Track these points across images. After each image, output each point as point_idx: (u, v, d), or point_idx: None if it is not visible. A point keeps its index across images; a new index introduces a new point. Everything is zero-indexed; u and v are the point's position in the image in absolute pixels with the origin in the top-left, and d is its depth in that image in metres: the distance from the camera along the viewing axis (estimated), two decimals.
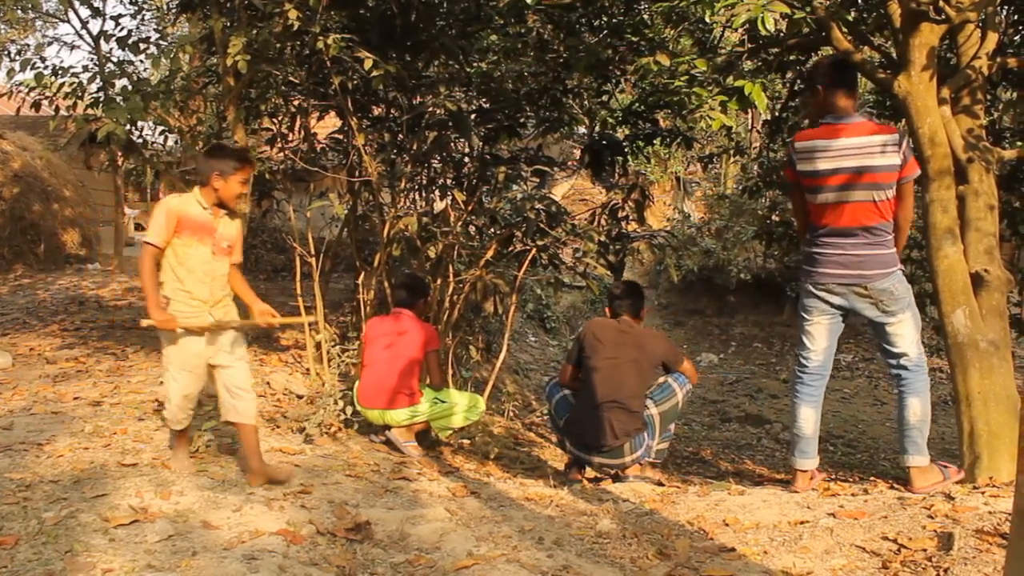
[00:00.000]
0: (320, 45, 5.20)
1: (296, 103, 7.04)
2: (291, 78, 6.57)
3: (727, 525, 3.75)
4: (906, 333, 4.09)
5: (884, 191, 3.97)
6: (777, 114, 7.34)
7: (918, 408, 4.06)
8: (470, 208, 6.42)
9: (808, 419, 4.28)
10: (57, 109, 6.34)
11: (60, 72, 6.18)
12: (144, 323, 3.86)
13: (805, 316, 4.25)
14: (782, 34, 5.42)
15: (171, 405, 4.01)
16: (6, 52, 17.40)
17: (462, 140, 6.83)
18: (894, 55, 4.73)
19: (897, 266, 4.06)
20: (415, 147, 6.37)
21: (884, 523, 3.52)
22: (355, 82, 6.18)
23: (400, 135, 6.58)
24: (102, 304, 9.02)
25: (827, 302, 4.15)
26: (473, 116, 6.75)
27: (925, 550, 3.19)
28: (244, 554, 3.08)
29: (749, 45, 5.80)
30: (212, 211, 3.95)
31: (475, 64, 7.11)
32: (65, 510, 3.37)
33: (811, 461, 4.31)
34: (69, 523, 3.24)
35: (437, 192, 7.24)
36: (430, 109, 6.39)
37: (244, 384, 4.00)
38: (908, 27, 4.34)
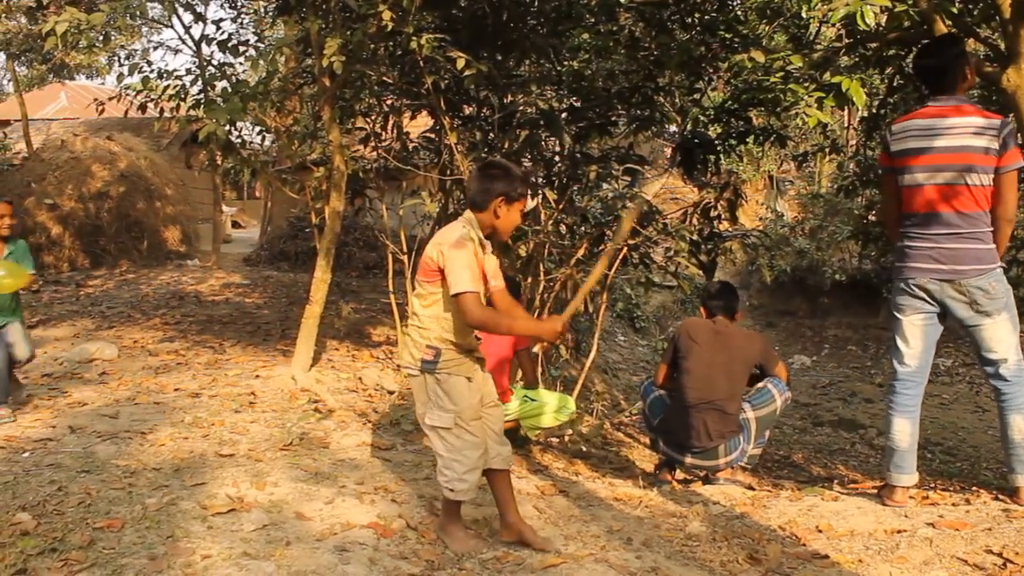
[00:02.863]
0: (413, 45, 5.26)
1: (389, 102, 7.14)
2: (384, 78, 6.66)
3: (820, 531, 3.67)
4: (1003, 336, 3.82)
5: (978, 175, 3.74)
6: (875, 111, 7.13)
7: (1022, 424, 3.80)
8: (561, 207, 6.42)
9: (903, 431, 4.00)
10: (161, 111, 6.56)
11: (164, 75, 6.38)
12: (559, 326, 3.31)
13: (898, 316, 4.04)
14: (881, 28, 5.27)
15: (460, 468, 3.25)
16: (116, 57, 18.15)
17: (553, 139, 6.83)
18: (1002, 47, 4.56)
19: (996, 264, 3.80)
20: (506, 146, 6.40)
21: (988, 536, 3.39)
22: (447, 81, 6.24)
23: (492, 134, 6.61)
24: (201, 299, 9.30)
25: (921, 299, 3.93)
26: (564, 115, 6.74)
27: None
28: (336, 545, 3.14)
29: (847, 40, 5.66)
30: (482, 245, 3.29)
31: (566, 63, 7.09)
32: (167, 497, 3.50)
33: (908, 477, 4.00)
34: (170, 509, 3.37)
35: (528, 191, 7.23)
36: (521, 108, 6.41)
37: (502, 427, 3.44)
38: (1018, 17, 4.17)
